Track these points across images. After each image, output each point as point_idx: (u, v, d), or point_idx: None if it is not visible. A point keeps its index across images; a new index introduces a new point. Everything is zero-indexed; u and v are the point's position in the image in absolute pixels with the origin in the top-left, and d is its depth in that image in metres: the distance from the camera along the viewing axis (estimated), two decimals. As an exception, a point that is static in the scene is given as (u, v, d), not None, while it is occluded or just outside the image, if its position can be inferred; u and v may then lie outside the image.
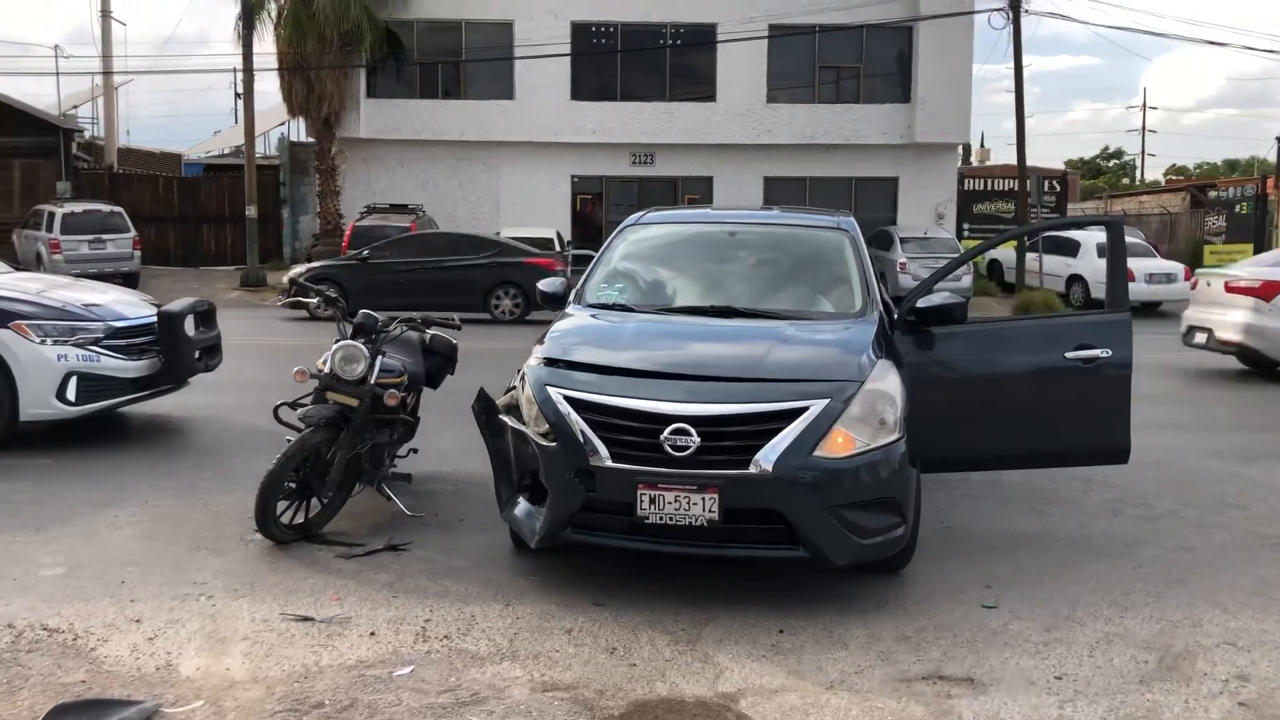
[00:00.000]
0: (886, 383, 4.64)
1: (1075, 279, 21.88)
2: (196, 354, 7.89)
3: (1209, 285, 12.21)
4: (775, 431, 4.31)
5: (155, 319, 7.67)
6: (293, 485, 5.30)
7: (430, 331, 6.40)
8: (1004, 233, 22.32)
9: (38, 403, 7.09)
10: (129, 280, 19.85)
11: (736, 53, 25.09)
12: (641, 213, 6.66)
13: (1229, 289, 11.70)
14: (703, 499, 4.26)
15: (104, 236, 21.62)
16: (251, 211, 23.78)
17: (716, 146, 25.65)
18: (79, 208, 22.03)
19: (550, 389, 4.60)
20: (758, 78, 25.60)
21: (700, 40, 25.55)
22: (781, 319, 5.24)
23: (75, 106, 36.14)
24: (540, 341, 5.12)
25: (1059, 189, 29.37)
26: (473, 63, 25.96)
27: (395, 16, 25.21)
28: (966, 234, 27.28)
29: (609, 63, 26.05)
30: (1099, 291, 19.63)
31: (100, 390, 7.29)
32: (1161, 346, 13.25)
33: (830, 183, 25.82)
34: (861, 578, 4.85)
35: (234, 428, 8.20)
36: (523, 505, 4.74)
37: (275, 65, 24.82)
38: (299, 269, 18.31)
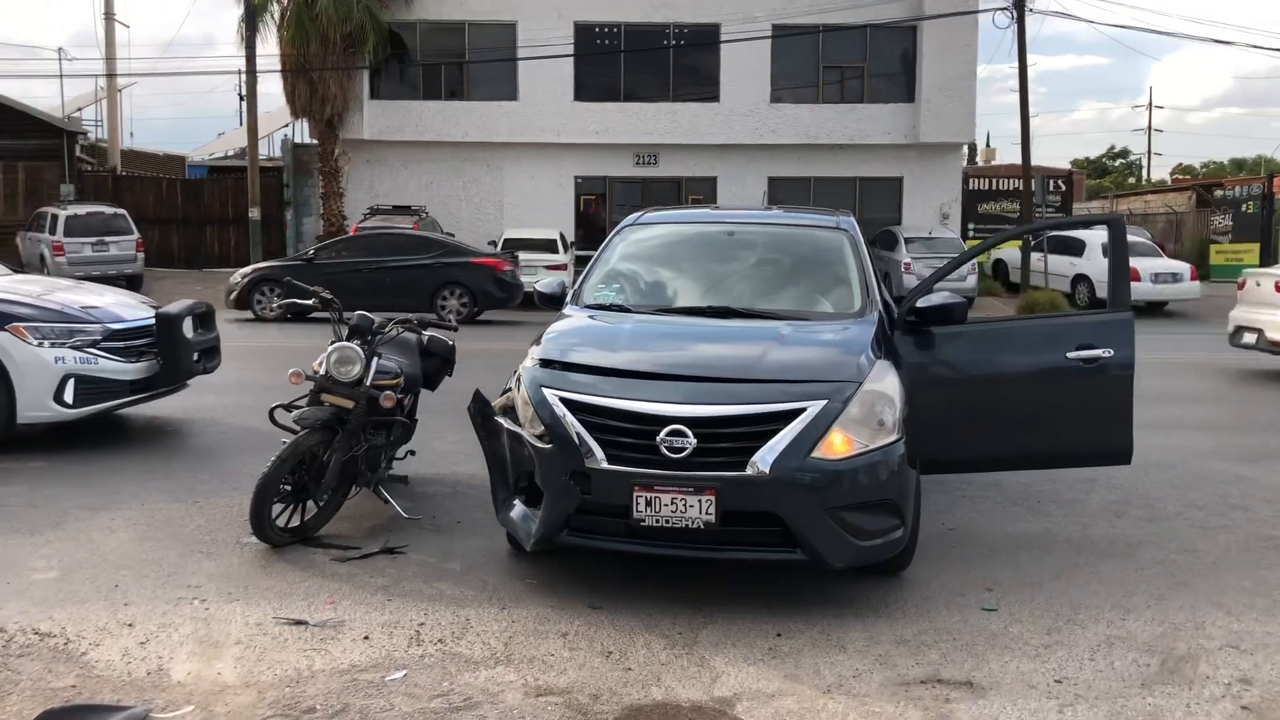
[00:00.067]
0: (885, 383, 4.60)
1: (1080, 279, 21.79)
2: (195, 356, 7.87)
3: (1258, 285, 11.93)
4: (773, 433, 4.27)
5: (153, 321, 7.65)
6: (288, 488, 5.27)
7: (427, 333, 6.36)
8: (1003, 232, 22.22)
9: (35, 405, 7.07)
10: (132, 282, 19.89)
11: (740, 53, 25.03)
12: (640, 212, 6.61)
13: None
14: (699, 501, 4.22)
15: (107, 239, 21.63)
16: (255, 213, 23.80)
17: (720, 147, 25.59)
18: (82, 210, 22.02)
19: (546, 390, 4.56)
20: (761, 78, 25.54)
21: (704, 40, 25.50)
22: (780, 319, 5.19)
23: (79, 109, 36.25)
24: (536, 342, 5.09)
25: (1064, 189, 29.26)
26: (476, 64, 25.92)
27: (398, 18, 25.19)
28: (971, 234, 27.19)
29: (612, 63, 26.01)
30: (1104, 291, 19.51)
31: (98, 392, 7.27)
32: (1164, 346, 13.18)
33: (835, 183, 25.74)
34: (860, 580, 4.81)
35: (232, 430, 8.17)
36: (519, 508, 4.71)
37: (278, 67, 24.86)
38: (244, 270, 18.10)
